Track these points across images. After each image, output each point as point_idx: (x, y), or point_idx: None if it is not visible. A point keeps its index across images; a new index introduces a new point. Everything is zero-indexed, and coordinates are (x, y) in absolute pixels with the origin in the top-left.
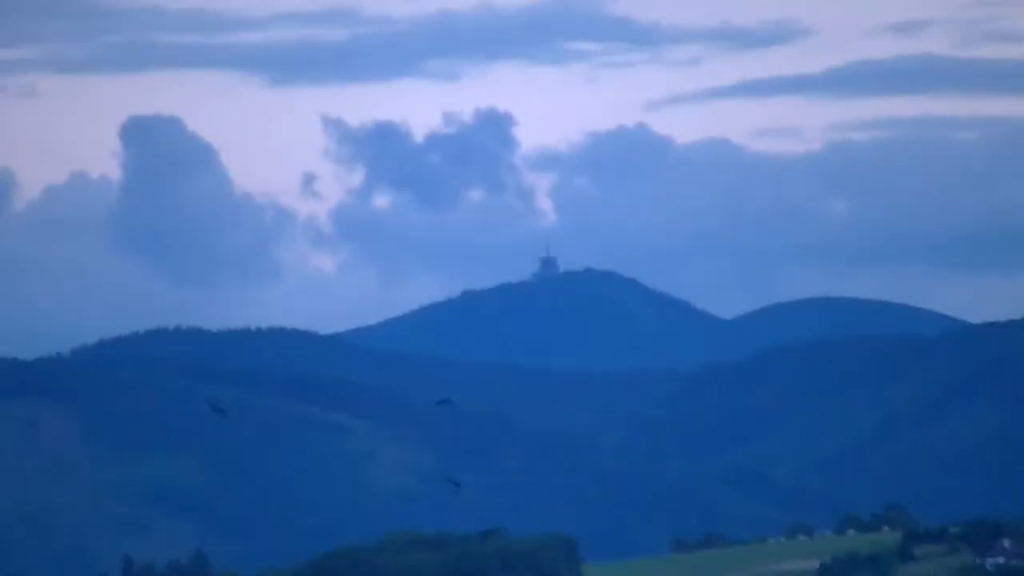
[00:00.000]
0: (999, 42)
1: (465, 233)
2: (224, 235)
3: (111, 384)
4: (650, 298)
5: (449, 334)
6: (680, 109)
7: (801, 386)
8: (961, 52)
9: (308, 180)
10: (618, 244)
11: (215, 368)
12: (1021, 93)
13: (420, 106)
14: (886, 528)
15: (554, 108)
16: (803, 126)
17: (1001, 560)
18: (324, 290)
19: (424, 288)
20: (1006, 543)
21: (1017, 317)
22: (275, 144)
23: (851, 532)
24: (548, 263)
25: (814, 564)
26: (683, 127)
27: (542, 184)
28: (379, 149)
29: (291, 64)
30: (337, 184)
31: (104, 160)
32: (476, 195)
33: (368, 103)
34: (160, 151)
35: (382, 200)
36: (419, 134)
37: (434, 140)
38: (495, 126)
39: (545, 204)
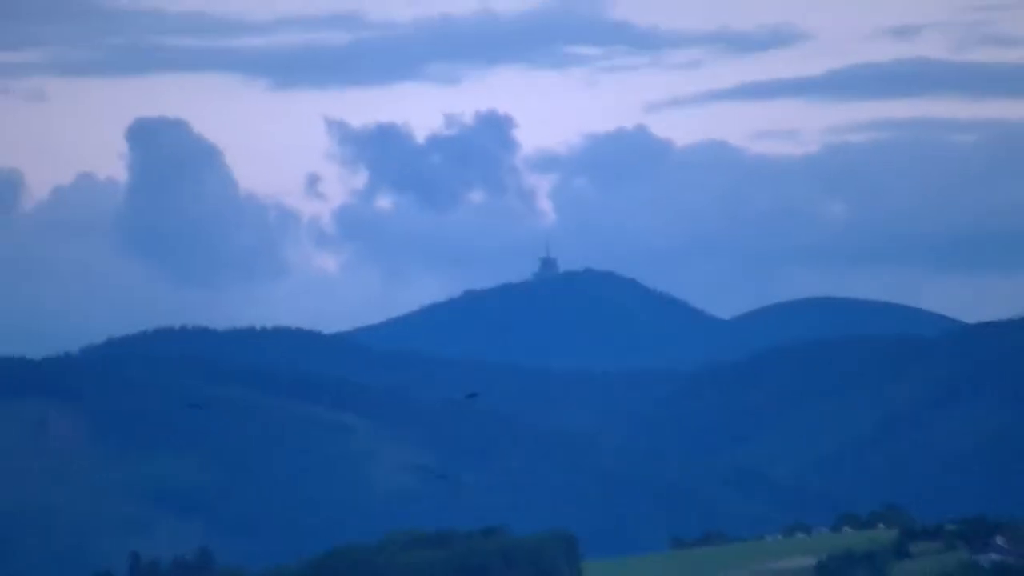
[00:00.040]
0: (994, 46)
1: (466, 234)
2: (229, 235)
3: (118, 383)
4: (649, 298)
5: (451, 334)
6: (679, 112)
7: (799, 386)
8: (957, 55)
9: (312, 181)
10: (618, 245)
11: (220, 367)
12: (1017, 96)
13: (422, 109)
14: (882, 526)
15: (554, 111)
16: (801, 128)
17: (996, 557)
18: (327, 290)
19: (426, 288)
20: (1000, 541)
21: (1013, 317)
22: (279, 146)
23: (848, 530)
24: (548, 263)
25: (811, 561)
26: (682, 129)
27: (542, 185)
28: (381, 151)
29: (295, 67)
30: (340, 185)
31: (111, 162)
32: (477, 196)
33: (371, 106)
34: (166, 153)
35: (384, 201)
36: (421, 136)
37: (436, 142)
38: (496, 128)
39: (545, 205)
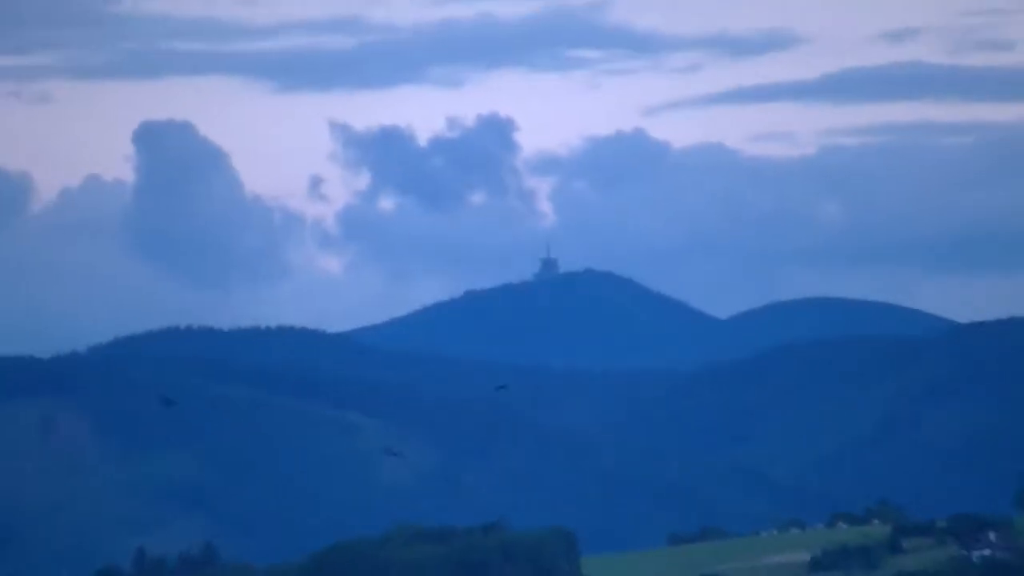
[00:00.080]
0: (988, 50)
1: (468, 235)
2: (234, 237)
3: (124, 382)
4: (648, 298)
5: (453, 333)
6: (677, 114)
7: (796, 385)
8: (952, 59)
9: (316, 183)
10: (617, 245)
11: (226, 366)
12: (1010, 99)
13: (424, 111)
14: (876, 521)
15: (554, 113)
16: (797, 131)
17: (987, 552)
18: (331, 290)
19: (428, 288)
20: (992, 536)
21: (1005, 317)
22: (283, 148)
23: (842, 526)
24: (549, 264)
25: (806, 556)
26: (680, 132)
27: (543, 187)
28: (384, 153)
29: (299, 71)
30: (344, 187)
31: (118, 164)
32: (479, 198)
33: (374, 109)
34: (172, 155)
35: (387, 203)
36: (423, 138)
37: (438, 144)
38: (497, 131)
39: (546, 206)
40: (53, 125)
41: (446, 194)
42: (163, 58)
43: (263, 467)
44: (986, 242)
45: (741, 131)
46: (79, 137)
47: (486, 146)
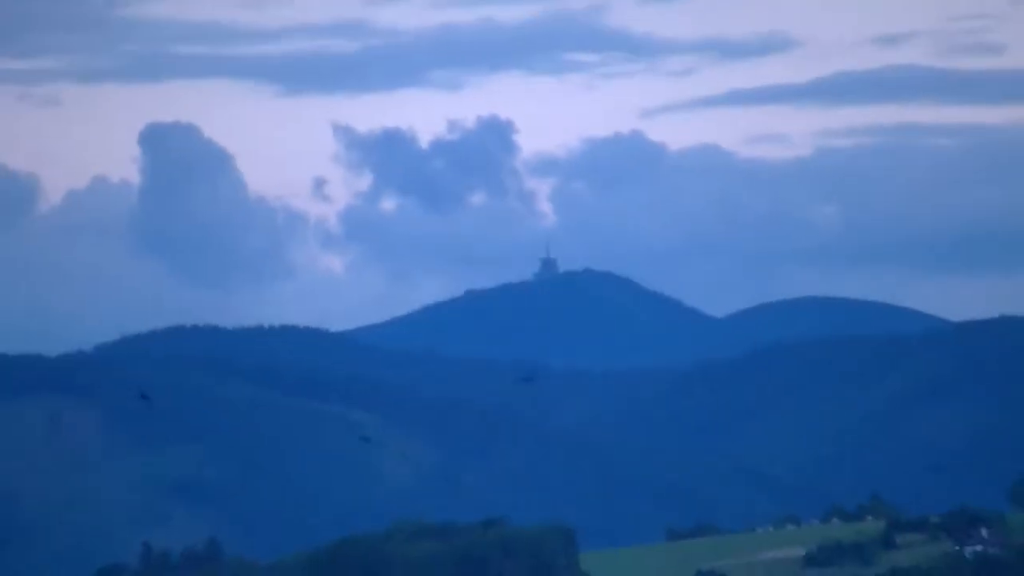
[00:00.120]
0: (977, 54)
1: (468, 235)
2: (238, 237)
3: (131, 379)
4: (646, 298)
5: (453, 332)
6: (673, 117)
7: (790, 382)
8: (943, 63)
9: (319, 184)
10: (615, 245)
11: (230, 364)
12: (1000, 102)
13: (425, 114)
14: (870, 518)
15: (553, 116)
16: (791, 133)
17: (979, 548)
18: (334, 289)
19: (429, 288)
20: (984, 532)
21: (996, 316)
22: (287, 150)
23: (836, 521)
24: (548, 264)
25: (801, 552)
26: (676, 134)
27: (542, 188)
28: (386, 155)
29: (303, 74)
30: (346, 188)
31: (124, 165)
32: (479, 199)
33: (376, 111)
34: (177, 157)
35: (389, 203)
36: (424, 140)
37: (439, 146)
38: (497, 133)
39: (545, 207)
40: (60, 127)
41: (447, 195)
42: (168, 61)
43: (267, 464)
44: (979, 242)
45: (737, 133)
46: (86, 139)
47: (486, 148)
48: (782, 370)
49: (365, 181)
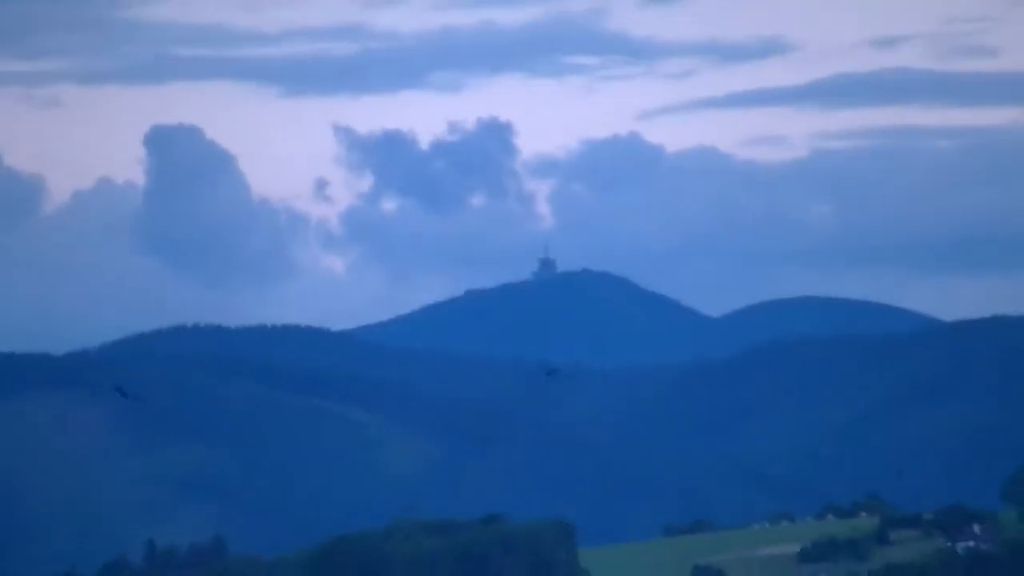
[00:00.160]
0: (973, 56)
1: (468, 236)
2: (241, 238)
3: (136, 378)
4: (643, 297)
5: (454, 331)
6: (671, 119)
7: (786, 381)
8: (937, 65)
9: (320, 186)
10: (613, 246)
11: (233, 363)
12: (995, 104)
13: (426, 116)
14: (864, 514)
15: (552, 118)
16: (788, 135)
17: (972, 544)
18: (335, 289)
19: (430, 287)
20: (976, 529)
21: (988, 316)
22: (289, 152)
23: (831, 518)
24: (547, 264)
25: (796, 548)
26: (674, 136)
27: (541, 189)
28: (387, 156)
29: (304, 76)
30: (347, 189)
31: (129, 167)
32: (479, 200)
33: (377, 113)
34: (181, 158)
35: (390, 204)
36: (425, 142)
37: (439, 148)
38: (496, 135)
39: (544, 208)
40: (66, 129)
41: (447, 196)
42: (172, 64)
43: (270, 461)
44: (972, 243)
45: (734, 135)
46: (91, 141)
47: (486, 149)
48: (778, 369)
49: (366, 182)
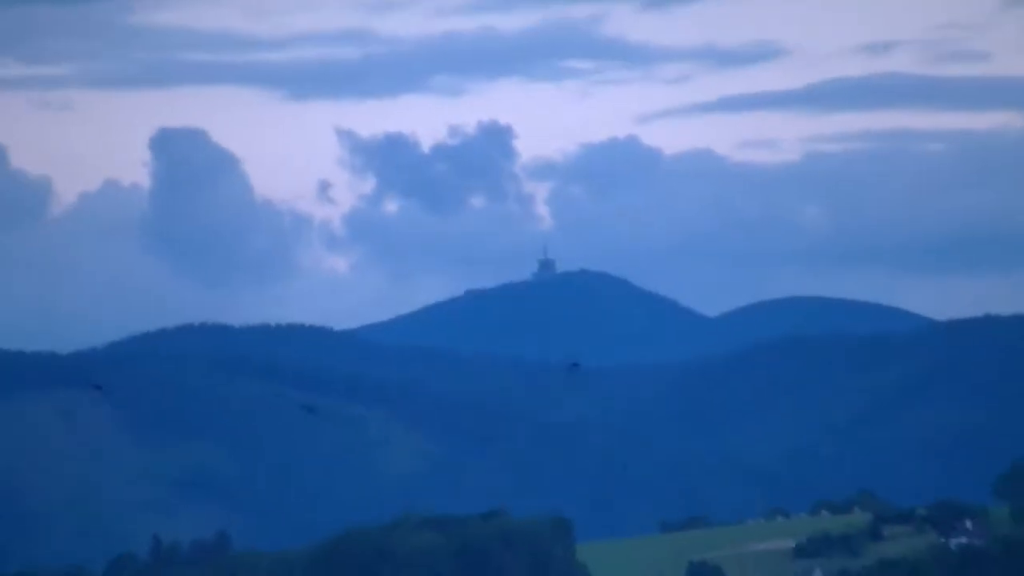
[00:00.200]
0: (962, 61)
1: (469, 237)
2: (245, 238)
3: (141, 376)
4: (641, 297)
5: (455, 330)
6: (668, 122)
7: (781, 379)
8: (927, 70)
9: (323, 187)
10: (611, 247)
11: (237, 361)
12: (984, 108)
13: (427, 119)
14: (857, 510)
15: (551, 121)
16: (782, 138)
17: (964, 540)
18: (338, 289)
19: (431, 287)
20: (968, 524)
21: (979, 315)
22: (293, 154)
23: (825, 514)
24: (546, 264)
25: (790, 543)
26: (671, 139)
27: (540, 191)
28: (389, 159)
29: (308, 80)
30: (350, 191)
31: (135, 169)
32: (479, 202)
33: (379, 116)
34: (187, 161)
35: (392, 206)
36: (426, 145)
37: (440, 151)
38: (496, 138)
39: (543, 210)
40: (73, 132)
41: (448, 198)
42: (178, 68)
43: (274, 458)
44: (964, 243)
45: (729, 138)
46: (97, 143)
47: (486, 152)
48: (773, 367)
49: (368, 184)
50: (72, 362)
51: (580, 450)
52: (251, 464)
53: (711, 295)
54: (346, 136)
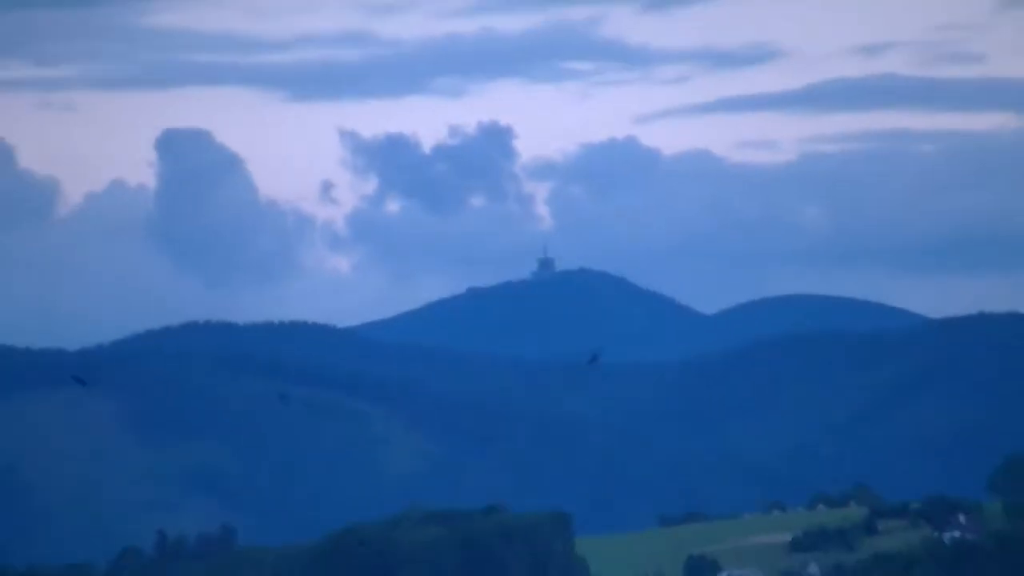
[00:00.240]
0: (958, 63)
1: (469, 236)
2: (249, 238)
3: (147, 373)
4: (639, 296)
5: (456, 328)
6: (667, 123)
7: (777, 376)
8: (924, 71)
9: (326, 188)
10: (610, 246)
11: (241, 359)
12: (979, 109)
13: (428, 120)
14: (853, 504)
15: (551, 122)
16: (779, 139)
17: (957, 534)
18: (340, 288)
19: (432, 286)
20: (962, 519)
21: (974, 313)
22: (296, 155)
23: (821, 508)
24: (546, 263)
25: (787, 537)
26: (670, 140)
27: (540, 191)
28: (391, 159)
29: (311, 81)
30: (352, 191)
31: (140, 169)
32: (479, 201)
33: (381, 117)
34: (191, 161)
35: (393, 206)
36: (427, 146)
37: (441, 151)
38: (497, 138)
39: (543, 210)
40: (79, 133)
41: (449, 198)
42: (183, 69)
43: (277, 454)
44: (959, 243)
45: (727, 139)
46: (104, 144)
47: (486, 153)
48: (770, 365)
49: (370, 185)
50: (79, 359)
51: (580, 448)
52: (255, 460)
53: (709, 294)
54: (348, 137)
